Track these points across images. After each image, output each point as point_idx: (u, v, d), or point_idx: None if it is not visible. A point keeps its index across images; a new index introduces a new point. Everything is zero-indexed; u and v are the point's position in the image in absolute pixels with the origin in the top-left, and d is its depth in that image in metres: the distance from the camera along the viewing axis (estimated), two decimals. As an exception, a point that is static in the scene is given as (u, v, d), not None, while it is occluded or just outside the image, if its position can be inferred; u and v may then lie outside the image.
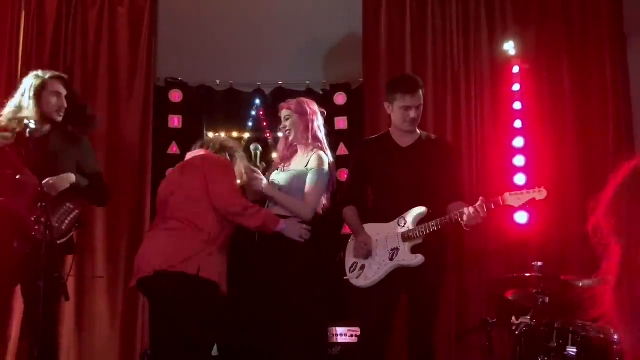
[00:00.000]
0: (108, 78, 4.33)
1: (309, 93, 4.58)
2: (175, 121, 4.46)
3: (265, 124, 4.62)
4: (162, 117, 4.50)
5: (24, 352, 3.66)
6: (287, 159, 3.42)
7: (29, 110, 3.19)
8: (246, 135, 4.63)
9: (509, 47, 4.34)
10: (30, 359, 3.05)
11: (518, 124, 4.26)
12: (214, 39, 4.64)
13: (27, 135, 3.01)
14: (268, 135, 4.57)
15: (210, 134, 3.33)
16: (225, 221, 3.06)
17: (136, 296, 4.14)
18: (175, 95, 4.48)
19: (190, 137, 4.01)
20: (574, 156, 4.22)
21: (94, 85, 4.32)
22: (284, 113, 3.43)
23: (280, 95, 4.53)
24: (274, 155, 3.74)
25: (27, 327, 3.19)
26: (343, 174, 4.28)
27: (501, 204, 2.98)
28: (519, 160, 4.21)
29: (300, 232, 3.17)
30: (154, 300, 3.07)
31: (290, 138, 3.39)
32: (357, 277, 3.21)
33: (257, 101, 4.63)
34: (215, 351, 3.50)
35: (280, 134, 3.52)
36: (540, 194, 2.97)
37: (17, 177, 3.03)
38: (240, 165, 3.27)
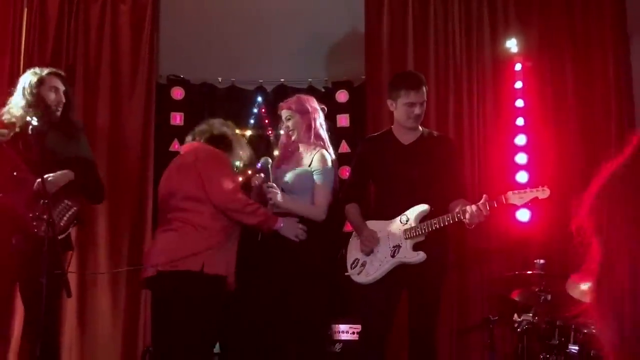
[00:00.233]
0: (110, 75, 4.33)
1: (311, 90, 4.57)
2: (177, 118, 4.45)
3: (267, 121, 4.61)
4: (164, 114, 4.50)
5: (24, 350, 3.68)
6: (288, 157, 3.41)
7: (27, 106, 3.18)
8: (248, 133, 4.63)
9: (511, 45, 4.33)
10: (32, 357, 3.06)
11: (520, 121, 4.26)
12: (216, 36, 4.64)
13: (30, 132, 3.02)
14: (270, 132, 4.56)
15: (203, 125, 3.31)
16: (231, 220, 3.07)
17: (138, 293, 4.15)
18: (177, 93, 4.48)
19: (192, 134, 4.01)
20: (576, 154, 4.21)
21: (96, 82, 4.32)
22: (284, 113, 3.41)
23: (282, 92, 4.53)
24: (276, 152, 3.72)
25: (28, 325, 3.18)
26: (345, 172, 4.28)
27: (504, 202, 2.98)
28: (521, 158, 4.20)
29: (296, 232, 3.17)
30: (158, 298, 3.08)
31: (293, 138, 3.38)
32: (358, 274, 3.21)
33: (259, 99, 4.62)
34: (217, 348, 3.50)
35: (281, 132, 3.51)
36: (543, 193, 2.96)
37: (14, 173, 3.04)
38: (237, 148, 3.26)
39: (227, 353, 3.52)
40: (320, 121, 3.41)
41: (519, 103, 4.28)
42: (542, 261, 3.45)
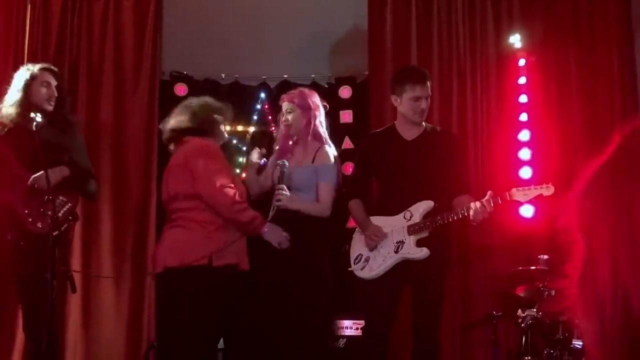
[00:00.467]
0: (113, 72, 4.33)
1: (314, 86, 4.57)
2: (180, 115, 4.44)
3: (270, 117, 4.61)
4: (167, 111, 4.48)
5: (28, 347, 3.68)
6: (287, 151, 3.39)
7: (19, 102, 3.18)
8: (251, 129, 4.63)
9: (515, 40, 4.32)
10: (36, 352, 3.07)
11: (524, 117, 4.25)
12: (219, 32, 4.63)
13: (34, 128, 3.02)
14: (273, 129, 4.56)
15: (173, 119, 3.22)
16: None
17: (142, 290, 4.17)
18: (181, 89, 4.47)
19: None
20: (580, 149, 4.20)
21: (100, 79, 4.32)
22: (285, 106, 3.38)
23: (285, 89, 4.51)
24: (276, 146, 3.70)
25: (27, 321, 3.18)
26: (348, 168, 4.27)
27: (508, 199, 2.99)
28: (525, 154, 4.20)
29: (279, 239, 3.09)
30: (164, 295, 3.10)
31: (291, 132, 3.36)
32: (361, 269, 3.22)
33: (262, 95, 4.62)
34: (221, 344, 3.51)
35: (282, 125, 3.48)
36: (547, 190, 2.97)
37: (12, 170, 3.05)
38: (219, 124, 3.18)
39: (231, 348, 3.53)
40: (320, 119, 3.38)
41: (523, 98, 4.27)
42: (545, 257, 3.45)
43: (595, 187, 0.84)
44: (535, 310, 3.32)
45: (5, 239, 3.10)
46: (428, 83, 3.23)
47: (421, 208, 3.14)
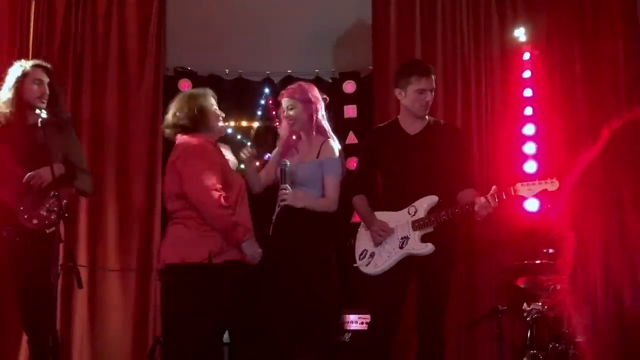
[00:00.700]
0: (117, 67, 4.34)
1: (318, 81, 4.56)
2: (184, 111, 4.45)
3: (274, 112, 4.61)
4: (171, 106, 4.49)
5: (31, 343, 3.69)
6: (291, 147, 3.38)
7: (11, 100, 3.17)
8: (255, 124, 4.63)
9: (520, 34, 4.30)
10: (37, 348, 3.08)
11: (528, 110, 4.23)
12: (223, 27, 4.63)
13: (39, 124, 3.03)
14: (277, 124, 4.56)
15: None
16: (227, 203, 3.02)
17: (148, 284, 4.18)
18: (185, 85, 4.47)
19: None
20: (585, 143, 4.18)
21: (104, 75, 4.33)
22: (286, 102, 3.34)
23: (289, 84, 4.50)
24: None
25: (27, 318, 3.19)
26: (352, 163, 4.27)
27: (512, 194, 2.98)
28: (530, 148, 4.19)
29: (254, 255, 3.03)
30: (167, 290, 3.11)
31: (294, 127, 3.34)
32: (366, 265, 3.22)
33: (266, 90, 4.61)
34: (226, 338, 3.52)
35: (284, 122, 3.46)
36: (552, 185, 2.96)
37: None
38: (211, 115, 3.12)
39: (237, 343, 3.53)
40: (322, 112, 3.36)
41: (527, 92, 4.25)
42: (551, 250, 3.44)
43: (585, 182, 0.85)
44: (540, 304, 3.31)
45: (1, 235, 3.09)
46: (433, 76, 3.23)
47: (425, 203, 3.13)
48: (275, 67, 4.62)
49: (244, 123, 4.66)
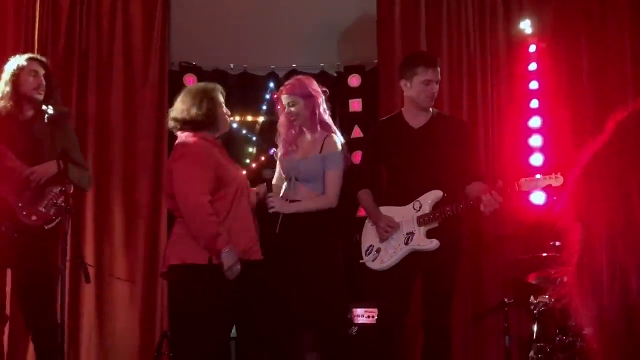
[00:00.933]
0: (123, 63, 4.35)
1: (323, 75, 4.56)
2: (190, 106, 4.45)
3: (279, 107, 4.60)
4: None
5: (18, 334, 3.71)
6: (291, 142, 3.32)
7: (9, 94, 3.15)
8: (260, 119, 4.63)
9: (525, 26, 4.28)
10: (43, 343, 3.09)
11: (534, 103, 4.21)
12: (227, 22, 4.62)
13: (46, 121, 3.03)
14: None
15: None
16: (222, 202, 3.01)
17: (155, 280, 4.20)
18: (190, 80, 4.47)
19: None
20: (592, 135, 4.16)
21: (109, 70, 4.34)
22: (287, 99, 3.26)
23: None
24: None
25: (27, 313, 3.19)
26: (358, 157, 4.26)
27: (517, 189, 2.98)
28: (536, 141, 4.17)
29: (230, 268, 2.90)
30: (172, 290, 3.14)
31: (297, 123, 3.27)
32: (373, 260, 3.22)
33: (271, 84, 4.61)
34: (233, 332, 3.53)
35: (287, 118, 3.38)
36: (556, 181, 2.96)
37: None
38: (219, 114, 3.07)
39: (245, 337, 3.54)
40: (323, 106, 3.30)
41: (534, 85, 4.23)
42: (557, 243, 3.43)
43: (591, 173, 0.84)
44: (547, 296, 3.31)
45: (0, 231, 3.08)
46: (438, 68, 3.23)
47: (430, 198, 3.12)
48: (280, 62, 4.62)
49: (249, 118, 4.66)
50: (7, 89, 3.16)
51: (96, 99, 4.30)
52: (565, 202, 0.85)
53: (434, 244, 3.08)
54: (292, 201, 3.24)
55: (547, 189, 3.11)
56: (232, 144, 4.15)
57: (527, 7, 4.34)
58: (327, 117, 3.33)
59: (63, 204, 2.99)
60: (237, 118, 4.51)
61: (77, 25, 4.31)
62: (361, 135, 4.44)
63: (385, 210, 3.22)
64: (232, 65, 4.62)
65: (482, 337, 4.15)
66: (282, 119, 3.35)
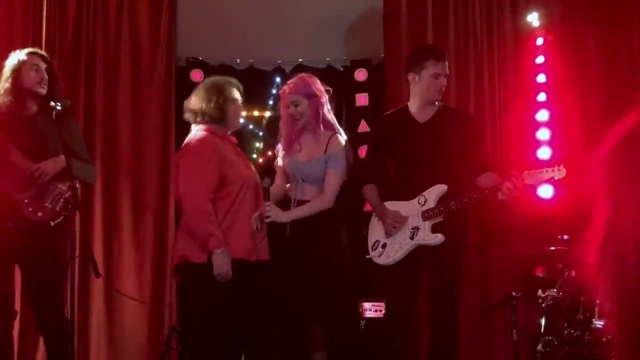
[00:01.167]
0: (130, 59, 4.36)
1: (329, 70, 4.55)
2: (197, 101, 4.46)
3: (281, 105, 4.60)
4: (183, 97, 4.50)
5: (27, 329, 3.74)
6: (294, 141, 3.29)
7: (11, 89, 3.13)
8: (267, 114, 4.63)
9: (533, 18, 4.25)
10: (52, 338, 3.12)
11: (542, 96, 4.20)
12: (234, 17, 4.62)
13: (54, 117, 3.04)
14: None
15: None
16: (224, 201, 3.02)
17: (163, 274, 4.23)
18: (197, 75, 4.48)
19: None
20: (601, 128, 4.14)
21: (117, 67, 4.35)
22: (291, 97, 3.23)
23: (301, 72, 4.50)
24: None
25: (38, 311, 3.21)
26: (364, 151, 4.26)
27: (521, 182, 2.97)
28: (543, 134, 4.15)
29: (220, 270, 2.91)
30: (179, 287, 3.16)
31: (300, 122, 3.25)
32: (379, 256, 3.23)
33: (278, 79, 4.61)
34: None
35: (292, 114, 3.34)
36: (559, 173, 2.96)
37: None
38: (230, 110, 3.09)
39: (253, 337, 3.52)
40: (327, 106, 3.28)
41: (541, 78, 4.21)
42: (566, 237, 3.43)
43: (620, 151, 0.83)
44: (555, 290, 3.30)
45: (7, 226, 3.07)
46: (447, 62, 3.23)
47: (435, 193, 3.12)
48: (287, 56, 4.61)
49: (256, 113, 4.66)
50: (8, 84, 3.14)
51: (104, 96, 4.31)
52: (597, 175, 0.84)
53: (438, 238, 3.09)
54: (301, 201, 3.23)
55: (552, 182, 3.10)
56: (239, 139, 4.15)
57: (534, -1, 4.31)
58: (331, 117, 3.31)
59: (71, 199, 2.99)
60: (244, 113, 4.51)
61: (84, 23, 4.31)
62: (368, 129, 4.43)
63: (390, 205, 3.22)
64: (238, 60, 4.62)
65: (489, 331, 4.15)
66: (284, 118, 3.33)
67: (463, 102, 4.24)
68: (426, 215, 3.12)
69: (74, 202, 2.93)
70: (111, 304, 4.21)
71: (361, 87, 4.56)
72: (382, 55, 4.47)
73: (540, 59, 4.22)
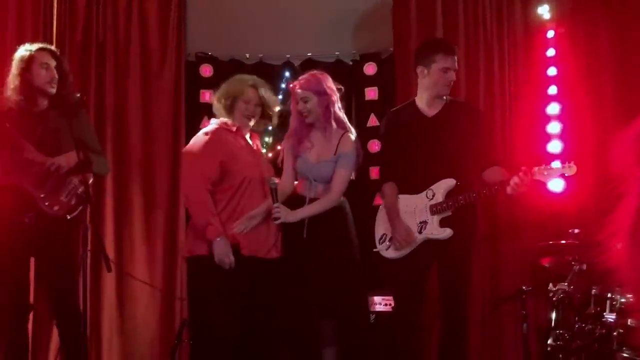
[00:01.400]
0: (139, 54, 4.37)
1: (339, 64, 4.55)
2: (206, 96, 4.47)
3: (291, 101, 4.60)
4: (193, 92, 4.52)
5: (42, 321, 3.77)
6: (302, 138, 3.28)
7: (20, 86, 3.12)
8: (277, 108, 4.63)
9: (544, 11, 4.23)
10: (69, 331, 3.15)
11: (553, 89, 4.17)
12: (243, 11, 4.62)
13: (74, 104, 3.08)
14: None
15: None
16: (224, 194, 3.09)
17: (174, 267, 4.25)
18: (206, 70, 4.49)
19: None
20: (612, 122, 4.11)
21: (126, 62, 4.37)
22: (301, 94, 3.22)
23: (310, 67, 4.47)
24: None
25: (53, 305, 3.26)
26: (374, 146, 4.27)
27: (530, 178, 2.97)
28: (554, 127, 4.13)
29: (219, 256, 3.00)
30: (188, 280, 3.21)
31: (309, 119, 3.23)
32: (386, 249, 3.23)
33: (287, 74, 4.61)
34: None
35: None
36: (569, 170, 2.95)
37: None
38: (240, 103, 3.22)
39: (263, 332, 3.53)
40: (338, 104, 3.26)
41: (552, 71, 4.19)
42: (576, 230, 3.42)
43: None
44: (566, 284, 3.30)
45: (22, 221, 3.10)
46: (456, 56, 3.22)
47: (443, 187, 3.12)
48: (296, 51, 4.61)
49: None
50: (18, 82, 3.13)
51: (114, 90, 4.33)
52: (629, 153, 0.82)
53: (446, 232, 3.08)
54: (313, 199, 3.23)
55: (563, 177, 3.09)
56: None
57: (544, -9, 4.28)
58: (343, 115, 3.29)
59: (83, 193, 3.02)
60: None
61: (94, 16, 4.33)
62: (377, 123, 4.43)
63: (399, 198, 3.22)
64: (247, 55, 4.62)
65: (499, 325, 4.15)
66: (294, 113, 3.31)
67: (473, 95, 4.23)
68: (434, 209, 3.11)
69: (86, 196, 2.96)
70: (123, 298, 4.25)
71: (370, 81, 4.55)
72: (392, 49, 4.46)
73: (551, 52, 4.19)
